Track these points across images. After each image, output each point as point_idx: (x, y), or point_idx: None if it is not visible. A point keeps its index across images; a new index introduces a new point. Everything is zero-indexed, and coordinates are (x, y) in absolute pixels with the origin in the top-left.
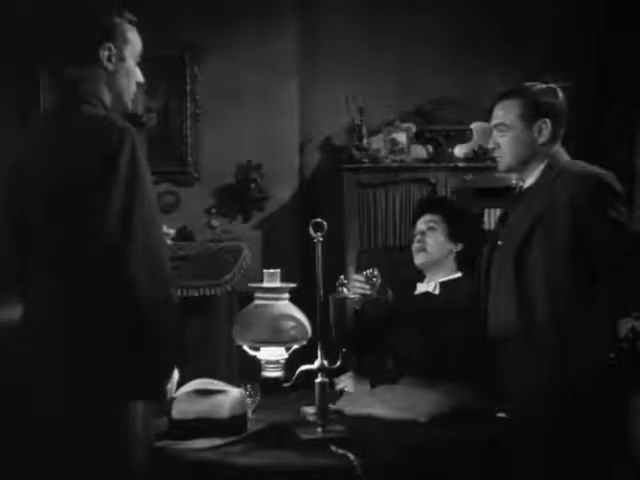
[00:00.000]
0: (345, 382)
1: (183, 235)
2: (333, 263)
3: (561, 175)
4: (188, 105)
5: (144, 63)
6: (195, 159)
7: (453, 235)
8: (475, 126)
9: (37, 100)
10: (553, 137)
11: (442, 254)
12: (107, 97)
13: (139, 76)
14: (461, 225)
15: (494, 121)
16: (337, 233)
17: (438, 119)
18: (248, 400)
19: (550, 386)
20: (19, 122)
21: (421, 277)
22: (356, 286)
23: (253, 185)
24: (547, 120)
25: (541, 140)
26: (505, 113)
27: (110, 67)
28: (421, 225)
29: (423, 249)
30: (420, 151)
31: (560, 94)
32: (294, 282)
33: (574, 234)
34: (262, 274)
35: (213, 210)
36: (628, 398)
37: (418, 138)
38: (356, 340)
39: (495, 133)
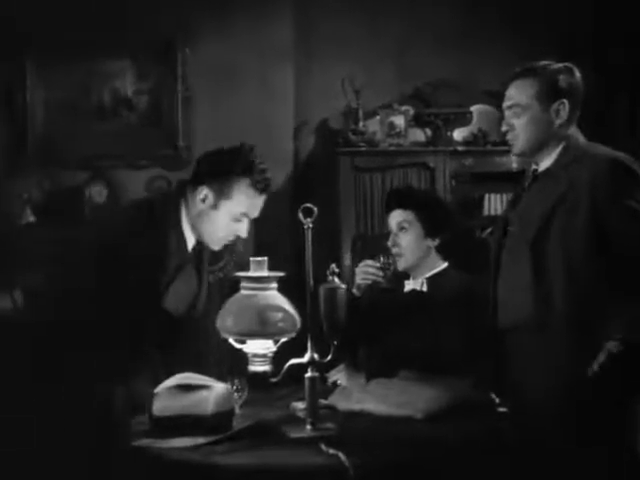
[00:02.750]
0: (338, 376)
1: None
2: (328, 250)
3: (580, 158)
4: (179, 88)
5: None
6: (187, 143)
7: (428, 232)
8: (475, 109)
9: (24, 84)
10: (570, 118)
11: (420, 254)
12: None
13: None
14: (435, 220)
15: (508, 102)
16: (332, 219)
17: (437, 102)
18: (235, 395)
19: (563, 380)
20: (4, 105)
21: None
22: (369, 272)
23: None
24: (565, 101)
25: (558, 122)
26: (520, 93)
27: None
28: (392, 223)
29: (400, 254)
30: (418, 134)
31: (577, 73)
32: (288, 270)
33: (594, 220)
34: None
35: None
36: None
37: (416, 121)
38: (350, 331)
39: (508, 115)
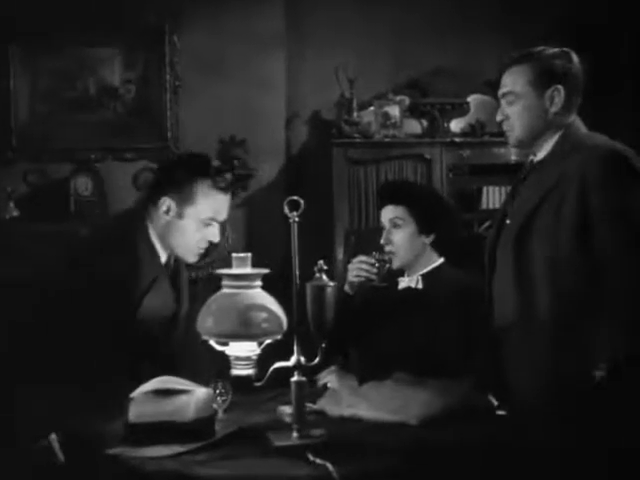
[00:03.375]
0: (328, 378)
1: None
2: (321, 246)
3: (577, 149)
4: (167, 77)
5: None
6: (175, 134)
7: (423, 229)
8: (473, 99)
9: (7, 72)
10: (567, 106)
11: (415, 252)
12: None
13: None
14: (430, 216)
15: (502, 90)
16: (326, 213)
17: (433, 91)
18: (219, 399)
19: (550, 382)
20: None
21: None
22: (362, 268)
23: (236, 162)
24: (560, 87)
25: (554, 109)
26: (514, 80)
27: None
28: (385, 219)
29: (393, 252)
30: (414, 125)
31: (575, 58)
32: (280, 265)
33: (580, 216)
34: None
35: None
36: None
37: (412, 112)
38: (341, 331)
39: (503, 103)
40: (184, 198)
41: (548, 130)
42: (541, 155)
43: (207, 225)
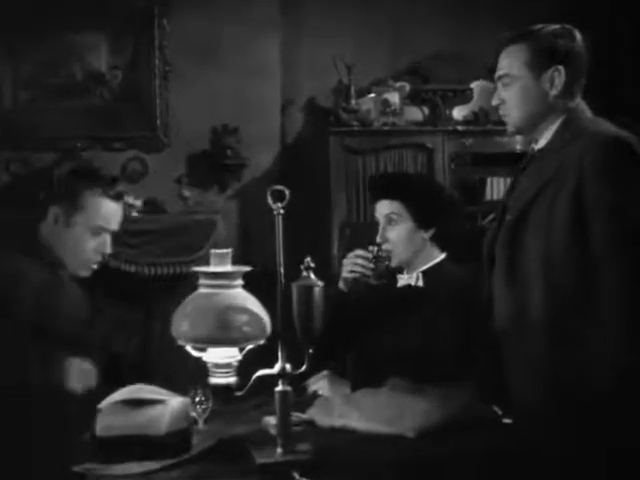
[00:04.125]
0: (319, 384)
1: (151, 207)
2: (318, 239)
3: (577, 136)
4: (157, 62)
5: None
6: (164, 122)
7: (421, 224)
8: (476, 85)
9: None
10: (569, 88)
11: (413, 248)
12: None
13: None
14: (428, 210)
15: (498, 72)
16: (322, 204)
17: (434, 77)
18: (198, 408)
19: (549, 384)
20: None
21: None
22: (358, 263)
23: (229, 151)
24: (560, 67)
25: (553, 92)
26: (510, 61)
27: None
28: (379, 215)
29: (390, 250)
30: (414, 113)
31: (578, 36)
32: (273, 260)
33: (576, 209)
34: (240, 249)
35: (185, 179)
36: None
37: (412, 99)
38: (331, 335)
39: (500, 87)
40: (73, 206)
41: (549, 115)
42: (542, 143)
43: (97, 234)
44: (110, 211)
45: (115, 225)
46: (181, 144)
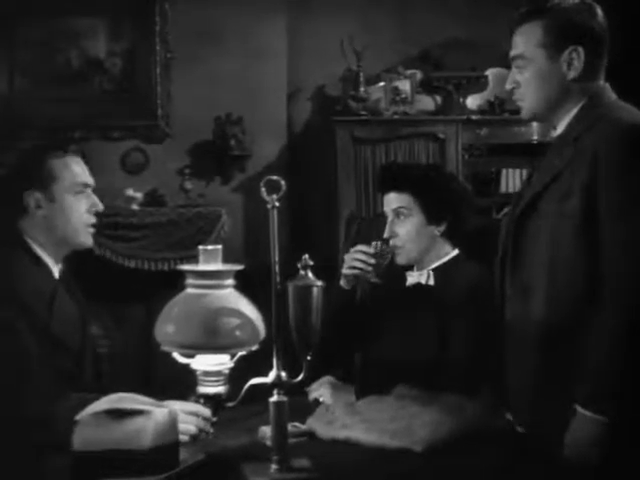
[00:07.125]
0: (321, 391)
1: (153, 199)
2: (325, 234)
3: (596, 122)
4: (158, 49)
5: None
6: (166, 111)
7: (431, 219)
8: (491, 72)
9: None
10: (590, 70)
11: (424, 245)
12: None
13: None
14: (439, 204)
15: (512, 53)
16: (330, 197)
17: (447, 65)
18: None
19: (551, 397)
20: None
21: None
22: (359, 259)
23: (233, 141)
24: (579, 47)
25: (572, 74)
26: (525, 41)
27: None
28: (387, 209)
29: (399, 246)
30: (426, 102)
31: (599, 12)
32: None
33: (587, 205)
34: (245, 243)
35: (187, 170)
36: None
37: (424, 87)
38: (332, 338)
39: (514, 69)
40: (45, 180)
41: (567, 100)
42: (560, 130)
43: (81, 194)
44: (81, 166)
45: (91, 179)
46: (183, 134)
